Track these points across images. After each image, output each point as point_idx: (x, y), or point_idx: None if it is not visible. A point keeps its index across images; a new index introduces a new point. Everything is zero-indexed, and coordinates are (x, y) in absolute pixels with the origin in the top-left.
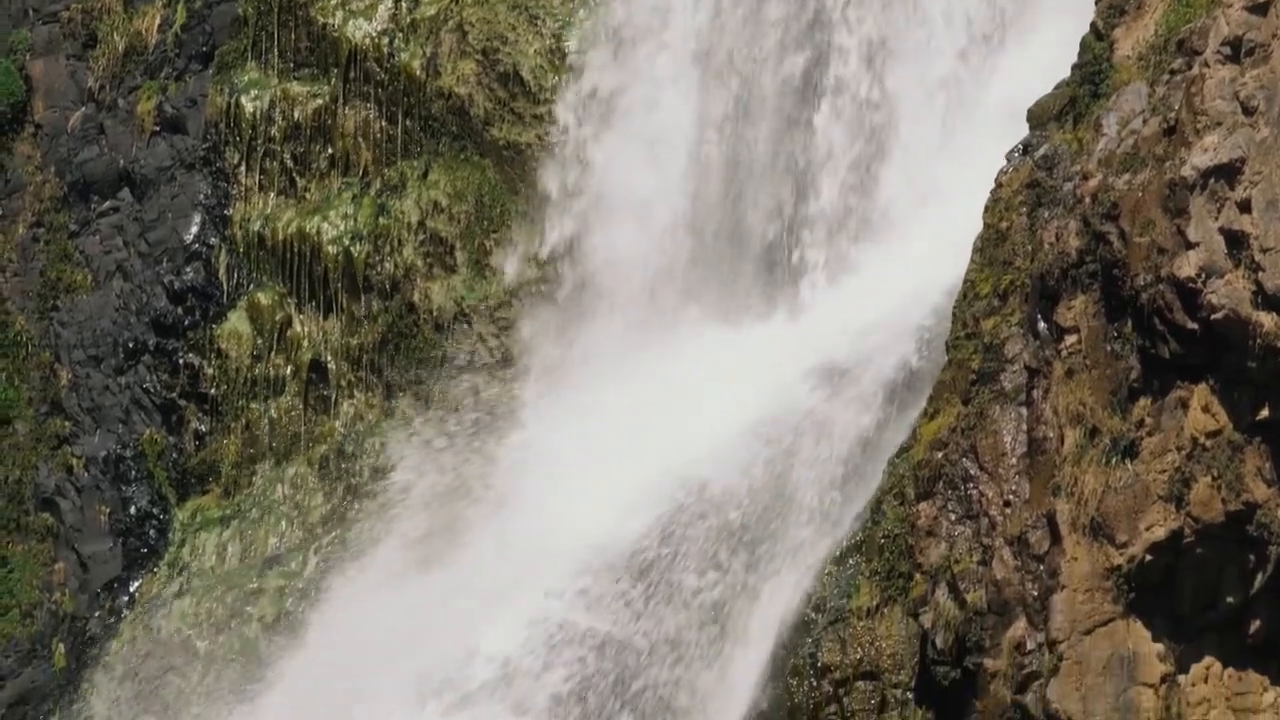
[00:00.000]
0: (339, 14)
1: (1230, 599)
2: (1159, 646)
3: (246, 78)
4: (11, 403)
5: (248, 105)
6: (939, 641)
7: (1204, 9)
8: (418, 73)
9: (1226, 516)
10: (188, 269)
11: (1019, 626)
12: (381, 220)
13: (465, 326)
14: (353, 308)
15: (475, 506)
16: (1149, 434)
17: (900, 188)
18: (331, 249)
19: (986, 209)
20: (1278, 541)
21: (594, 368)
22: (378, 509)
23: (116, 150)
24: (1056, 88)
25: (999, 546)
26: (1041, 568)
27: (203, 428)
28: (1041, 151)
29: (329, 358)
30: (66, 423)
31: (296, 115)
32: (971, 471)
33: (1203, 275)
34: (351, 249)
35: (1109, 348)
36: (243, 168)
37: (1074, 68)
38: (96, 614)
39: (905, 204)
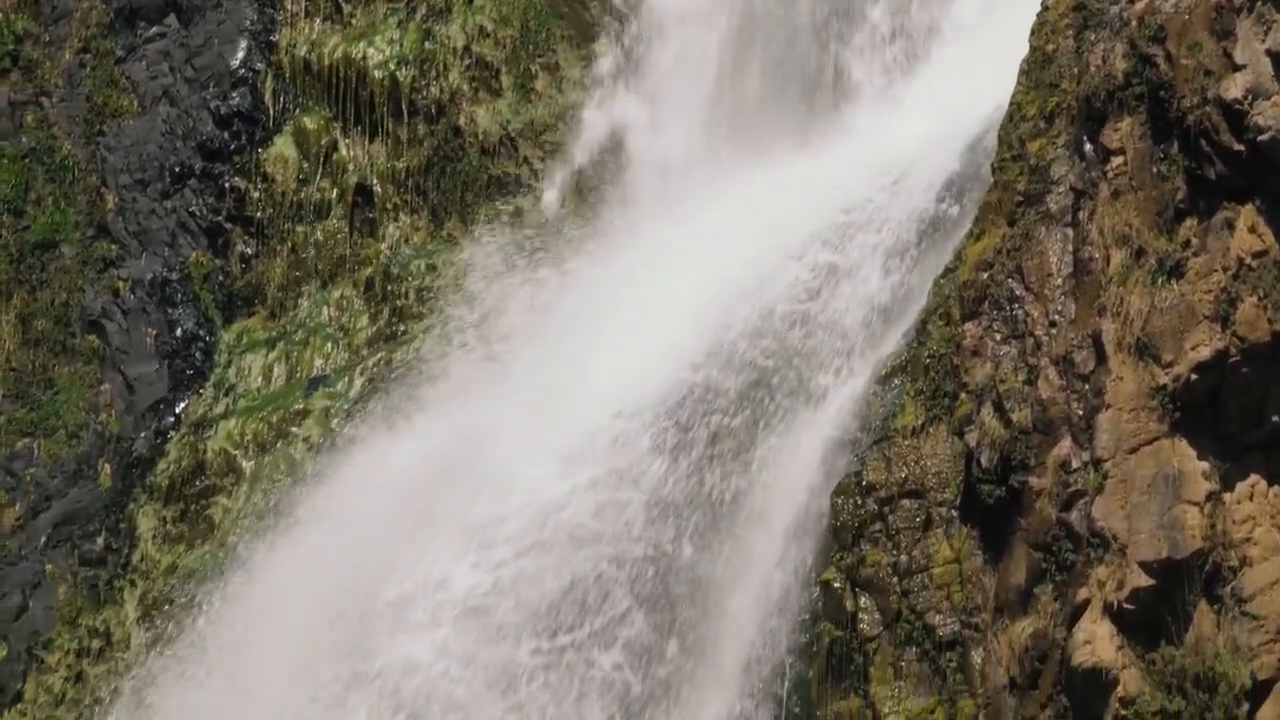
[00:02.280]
0: None
1: (1276, 418)
2: (1204, 465)
3: None
4: (58, 226)
5: None
6: (984, 460)
7: None
8: None
9: (1272, 336)
10: (234, 94)
11: (1064, 445)
12: (427, 45)
13: (511, 150)
14: (398, 132)
15: (528, 327)
16: (1195, 254)
17: None
18: (377, 74)
19: (1033, 32)
20: None
21: (644, 191)
22: (424, 330)
23: None
24: None
25: (1044, 366)
26: (1087, 387)
27: (249, 250)
28: None
29: (374, 181)
30: (113, 246)
31: None
32: (1017, 292)
33: (1249, 97)
34: (397, 74)
35: (1155, 169)
36: None
37: None
38: (142, 435)
39: None
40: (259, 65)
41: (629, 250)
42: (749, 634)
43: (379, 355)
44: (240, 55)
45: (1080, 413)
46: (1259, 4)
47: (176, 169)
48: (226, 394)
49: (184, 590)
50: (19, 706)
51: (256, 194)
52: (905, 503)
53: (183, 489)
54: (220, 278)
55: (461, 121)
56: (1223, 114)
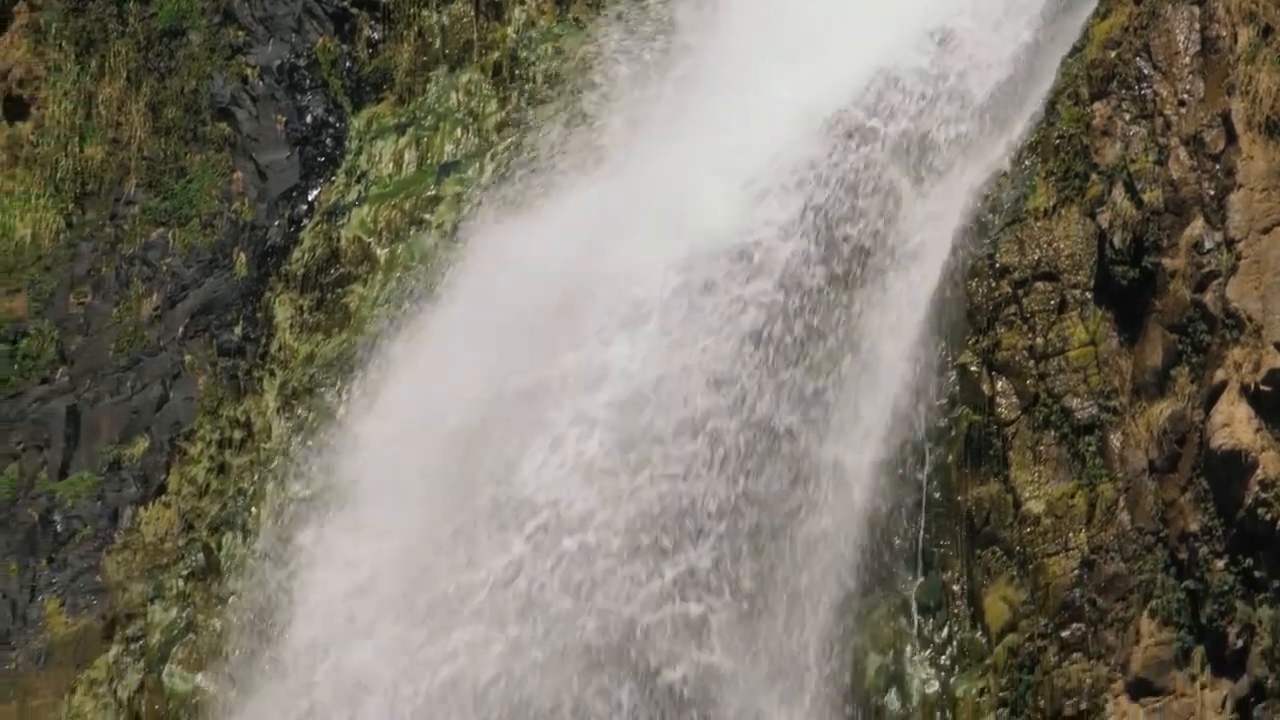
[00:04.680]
0: None
1: None
2: None
3: None
4: (184, 13)
5: None
6: (1117, 241)
7: None
8: None
9: None
10: None
11: (1196, 226)
12: None
13: None
14: None
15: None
16: None
17: None
18: None
19: None
20: None
21: None
22: (553, 114)
23: None
24: None
25: (1174, 146)
26: (1217, 167)
27: (375, 35)
28: None
29: None
30: (240, 32)
31: None
32: (1145, 71)
33: None
34: None
35: None
36: None
37: None
38: (276, 223)
39: None
40: None
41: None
42: None
43: (509, 140)
44: None
45: (1212, 193)
46: None
47: None
48: (358, 181)
49: (324, 379)
50: (163, 498)
51: None
52: (1039, 285)
53: (318, 277)
54: (348, 63)
55: None
56: None
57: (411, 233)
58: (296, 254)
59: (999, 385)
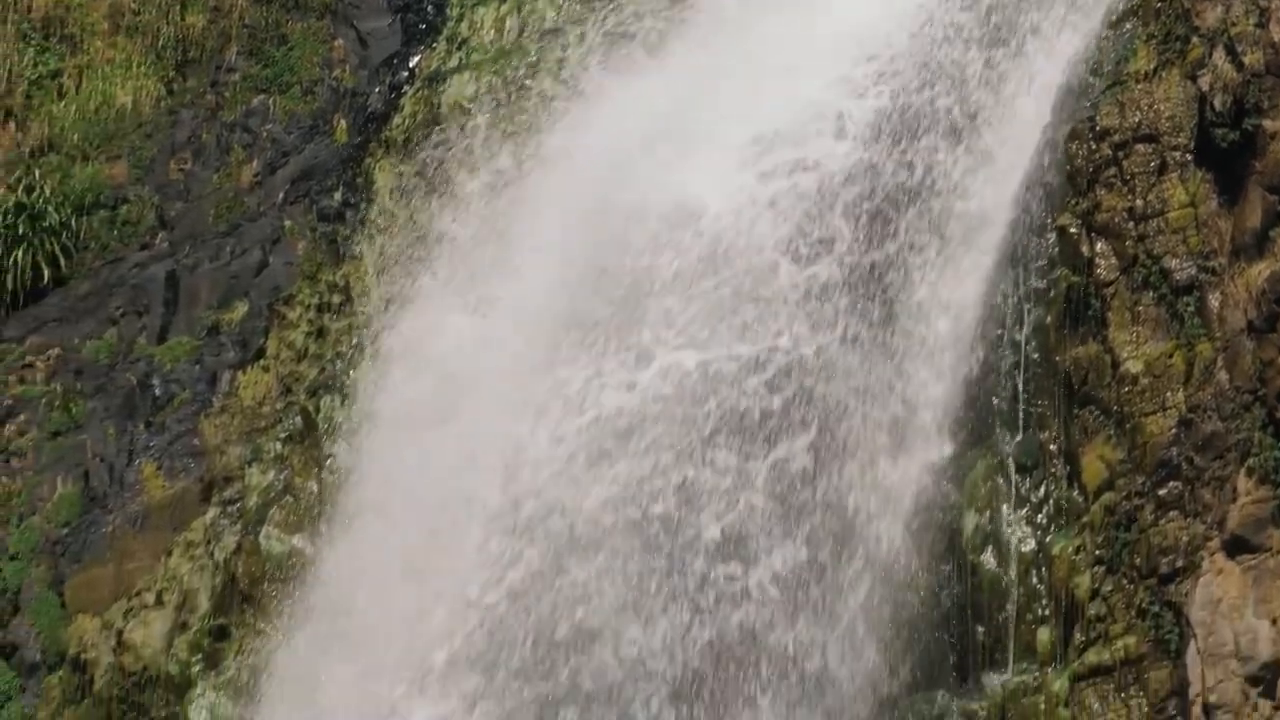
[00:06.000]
0: None
1: None
2: None
3: None
4: None
5: None
6: (1217, 103)
7: None
8: None
9: None
10: None
11: None
12: None
13: None
14: None
15: None
16: None
17: None
18: None
19: None
20: None
21: None
22: None
23: None
24: None
25: (1275, 8)
26: None
27: None
28: None
29: None
30: None
31: None
32: None
33: None
34: None
35: None
36: None
37: None
38: (376, 89)
39: None
40: None
41: None
42: None
43: (611, 4)
44: None
45: None
46: None
47: None
48: (459, 47)
49: (423, 245)
50: (262, 362)
51: None
52: (1139, 147)
53: (418, 144)
54: None
55: None
56: None
57: (512, 99)
58: (397, 120)
59: (1098, 247)
